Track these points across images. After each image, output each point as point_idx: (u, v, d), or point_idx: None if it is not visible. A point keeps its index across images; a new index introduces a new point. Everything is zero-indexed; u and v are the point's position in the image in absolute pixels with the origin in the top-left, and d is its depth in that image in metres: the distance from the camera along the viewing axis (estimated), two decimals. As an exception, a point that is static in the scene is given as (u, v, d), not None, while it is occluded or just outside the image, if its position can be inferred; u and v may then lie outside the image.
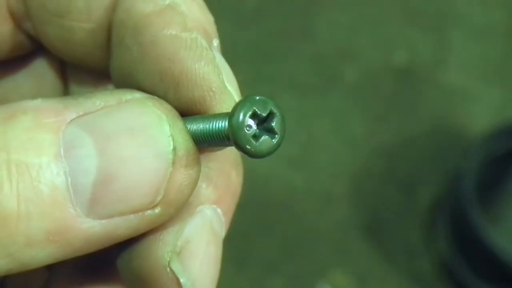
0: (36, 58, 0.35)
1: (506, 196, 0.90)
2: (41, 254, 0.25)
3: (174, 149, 0.26)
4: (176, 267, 0.28)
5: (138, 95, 0.28)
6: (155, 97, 0.28)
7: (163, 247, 0.29)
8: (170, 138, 0.27)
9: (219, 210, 0.30)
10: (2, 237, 0.24)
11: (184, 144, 0.27)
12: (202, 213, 0.30)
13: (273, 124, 0.26)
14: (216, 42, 0.30)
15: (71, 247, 0.26)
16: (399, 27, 1.07)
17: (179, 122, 0.27)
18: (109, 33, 0.30)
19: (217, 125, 0.27)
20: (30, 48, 0.34)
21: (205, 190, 0.30)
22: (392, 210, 0.89)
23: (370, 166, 0.93)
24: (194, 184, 0.28)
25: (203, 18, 0.29)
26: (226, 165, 0.31)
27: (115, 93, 0.28)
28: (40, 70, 0.36)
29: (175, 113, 0.27)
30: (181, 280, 0.28)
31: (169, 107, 0.28)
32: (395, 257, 0.85)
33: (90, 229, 0.26)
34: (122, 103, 0.27)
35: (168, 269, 0.28)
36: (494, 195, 0.89)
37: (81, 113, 0.26)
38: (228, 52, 0.31)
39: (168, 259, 0.28)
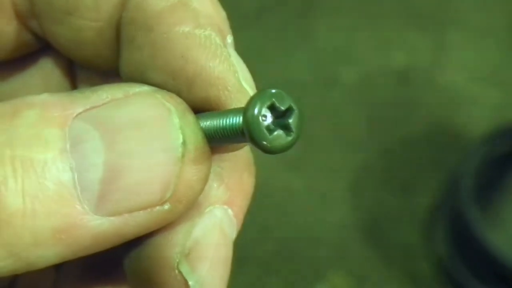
0: (43, 57, 0.34)
1: (505, 198, 0.90)
2: (48, 253, 0.24)
3: (184, 142, 0.26)
4: (184, 269, 0.28)
5: (146, 88, 0.27)
6: (164, 90, 0.27)
7: (171, 248, 0.28)
8: (179, 131, 0.26)
9: (230, 211, 0.29)
10: (7, 235, 0.24)
11: (194, 137, 0.26)
12: (212, 214, 0.29)
13: (290, 120, 0.25)
14: (230, 39, 0.29)
15: (78, 245, 0.25)
16: (397, 29, 1.06)
17: (189, 115, 0.26)
18: (119, 31, 0.29)
19: (231, 120, 0.26)
20: (36, 47, 0.33)
21: (216, 190, 0.29)
22: (391, 212, 0.89)
23: (368, 168, 0.92)
24: (205, 180, 0.27)
25: (216, 14, 0.28)
26: (238, 165, 0.30)
27: (123, 86, 0.27)
28: (47, 69, 0.35)
29: (185, 105, 0.27)
30: (190, 283, 0.27)
31: (179, 100, 0.27)
32: (394, 259, 0.85)
33: (98, 226, 0.25)
34: (129, 96, 0.26)
35: (176, 270, 0.28)
36: (493, 196, 0.89)
37: (88, 107, 0.25)
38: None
39: (177, 260, 0.28)
